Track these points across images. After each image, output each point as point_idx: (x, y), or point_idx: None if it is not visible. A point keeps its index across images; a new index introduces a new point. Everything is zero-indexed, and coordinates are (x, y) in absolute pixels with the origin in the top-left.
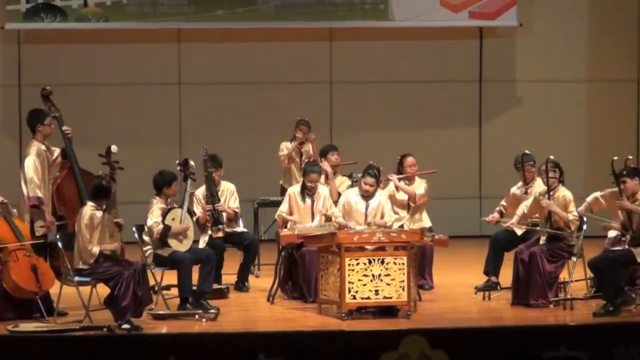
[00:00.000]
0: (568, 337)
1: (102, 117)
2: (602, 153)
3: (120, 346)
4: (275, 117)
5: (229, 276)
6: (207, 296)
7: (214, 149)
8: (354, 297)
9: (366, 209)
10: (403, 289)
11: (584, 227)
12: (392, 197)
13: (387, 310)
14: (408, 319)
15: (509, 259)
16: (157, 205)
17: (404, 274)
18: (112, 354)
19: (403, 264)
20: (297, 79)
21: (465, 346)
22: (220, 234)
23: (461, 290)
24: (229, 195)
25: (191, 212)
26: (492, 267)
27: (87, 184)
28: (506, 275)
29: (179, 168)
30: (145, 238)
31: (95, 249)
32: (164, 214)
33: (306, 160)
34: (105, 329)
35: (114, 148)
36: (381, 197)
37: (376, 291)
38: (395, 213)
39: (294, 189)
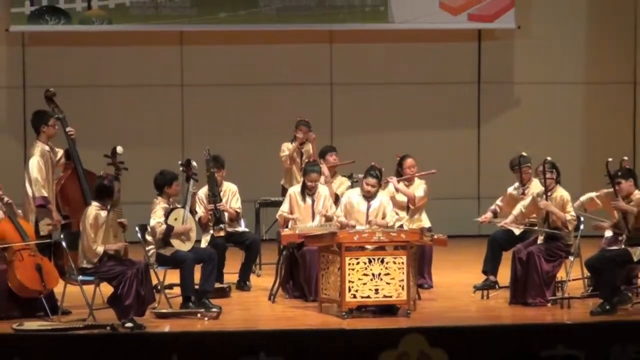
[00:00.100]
0: (565, 336)
1: (105, 119)
2: (599, 154)
3: (124, 344)
4: (277, 118)
5: (230, 275)
6: (209, 295)
7: (216, 149)
8: (354, 296)
9: (367, 209)
10: (403, 288)
11: (581, 227)
12: (392, 199)
13: (387, 309)
14: (407, 318)
15: (507, 258)
16: (160, 205)
17: (403, 273)
18: (115, 352)
19: (403, 263)
20: (298, 80)
21: (464, 344)
22: (221, 233)
23: (460, 290)
24: (231, 196)
25: (193, 212)
26: (491, 267)
27: (91, 185)
28: (504, 275)
29: (181, 169)
30: (148, 238)
31: (100, 249)
32: (167, 214)
33: (306, 160)
34: (108, 328)
35: (119, 149)
36: (383, 197)
37: (376, 290)
38: (395, 214)
39: (295, 189)
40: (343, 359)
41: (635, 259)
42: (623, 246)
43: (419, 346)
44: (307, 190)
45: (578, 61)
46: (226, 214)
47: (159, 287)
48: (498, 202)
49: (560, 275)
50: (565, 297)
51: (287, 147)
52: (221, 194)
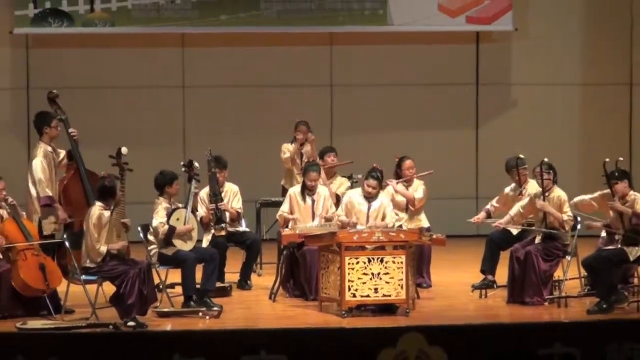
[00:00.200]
0: (562, 334)
1: (108, 120)
2: (596, 155)
3: (126, 343)
4: (277, 119)
5: (231, 275)
6: (210, 294)
7: (216, 150)
8: (354, 295)
9: (368, 210)
10: (402, 287)
11: (578, 226)
12: (391, 199)
13: (386, 308)
14: (406, 317)
15: (504, 257)
16: (162, 205)
17: (402, 272)
18: (118, 351)
19: (402, 262)
20: (298, 82)
21: (462, 343)
22: (222, 233)
23: (458, 289)
24: (232, 196)
25: (195, 212)
26: (489, 266)
27: (93, 185)
28: (502, 274)
29: (183, 169)
30: (150, 238)
31: (103, 248)
32: (169, 215)
33: (306, 161)
34: (111, 326)
35: (124, 150)
36: (383, 199)
37: (375, 289)
38: (395, 214)
39: (295, 190)
40: (343, 357)
41: (631, 259)
42: (619, 246)
43: (418, 344)
44: (307, 191)
45: (575, 63)
46: (227, 214)
47: (160, 287)
48: (494, 202)
49: (558, 274)
50: (562, 296)
51: (287, 149)
52: (222, 194)
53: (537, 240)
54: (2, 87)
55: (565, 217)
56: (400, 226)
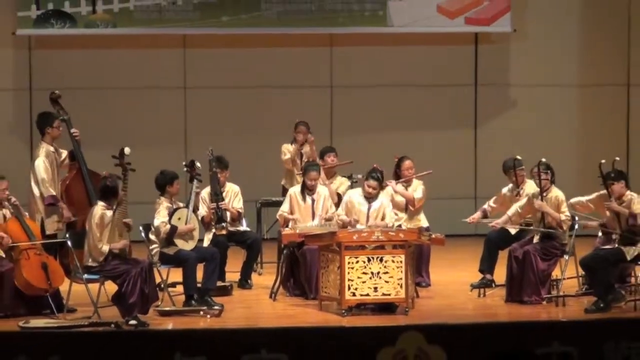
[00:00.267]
0: (560, 333)
1: (110, 120)
2: (593, 156)
3: (128, 342)
4: (278, 120)
5: (232, 274)
6: (211, 293)
7: (218, 151)
8: (354, 294)
9: (368, 210)
10: (401, 286)
11: (576, 226)
12: (391, 200)
13: (386, 307)
14: (406, 315)
15: (503, 257)
16: (163, 205)
17: (402, 271)
18: (119, 350)
19: (401, 262)
20: (298, 83)
21: (461, 342)
22: (223, 232)
23: (457, 288)
24: (233, 196)
25: (196, 211)
26: (487, 265)
27: (95, 185)
28: (500, 273)
29: (185, 169)
30: (152, 237)
31: (105, 248)
32: (171, 214)
33: (306, 161)
34: (113, 325)
35: (127, 150)
36: (383, 199)
37: (375, 288)
38: (395, 215)
39: (295, 189)
40: (342, 356)
41: (628, 258)
42: (616, 245)
43: (417, 343)
44: (307, 190)
45: (573, 63)
46: (228, 214)
47: (162, 286)
48: (491, 202)
49: (556, 273)
50: (560, 295)
51: (287, 149)
52: (224, 194)
53: (535, 239)
54: (5, 88)
55: (563, 217)
56: (400, 226)
